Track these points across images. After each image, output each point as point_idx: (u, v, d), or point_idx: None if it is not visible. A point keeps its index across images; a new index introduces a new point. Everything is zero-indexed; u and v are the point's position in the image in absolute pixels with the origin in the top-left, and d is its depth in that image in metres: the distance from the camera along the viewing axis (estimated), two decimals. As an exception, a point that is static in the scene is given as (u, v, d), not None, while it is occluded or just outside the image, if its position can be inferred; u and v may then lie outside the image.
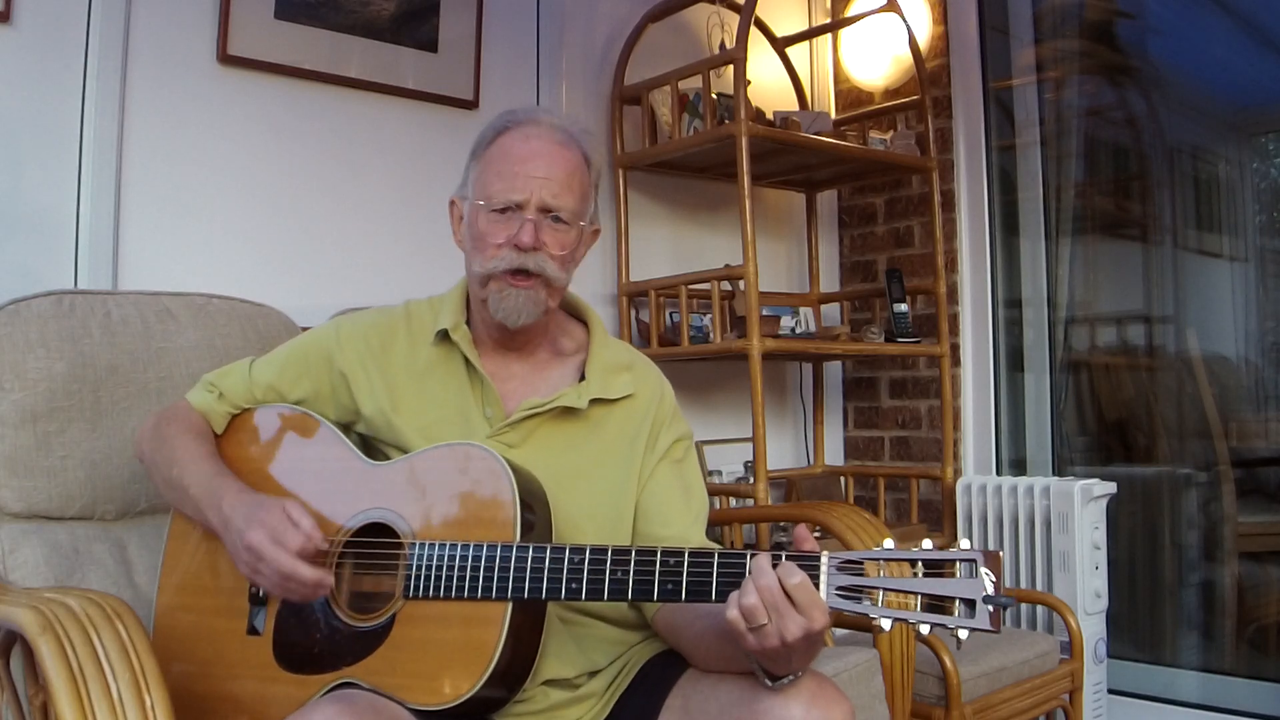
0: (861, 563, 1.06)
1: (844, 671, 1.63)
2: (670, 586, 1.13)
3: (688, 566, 1.13)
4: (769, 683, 1.14)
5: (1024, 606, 2.56)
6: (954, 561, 1.04)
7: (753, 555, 1.09)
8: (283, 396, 1.43)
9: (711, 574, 1.12)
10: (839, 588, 1.06)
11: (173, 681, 1.30)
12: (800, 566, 1.06)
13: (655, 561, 1.14)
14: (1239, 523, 2.71)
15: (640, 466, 1.39)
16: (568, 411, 1.38)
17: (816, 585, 1.06)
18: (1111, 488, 2.51)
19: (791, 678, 1.14)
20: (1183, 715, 2.60)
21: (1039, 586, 2.52)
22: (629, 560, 1.15)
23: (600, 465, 1.38)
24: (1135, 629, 2.80)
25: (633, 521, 1.38)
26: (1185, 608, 2.78)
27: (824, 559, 1.07)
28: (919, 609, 1.03)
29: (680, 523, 1.38)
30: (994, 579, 1.02)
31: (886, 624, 1.04)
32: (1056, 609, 2.35)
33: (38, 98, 1.91)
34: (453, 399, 1.39)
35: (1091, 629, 2.40)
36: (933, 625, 1.03)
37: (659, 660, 1.34)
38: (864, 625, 2.02)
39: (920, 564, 1.05)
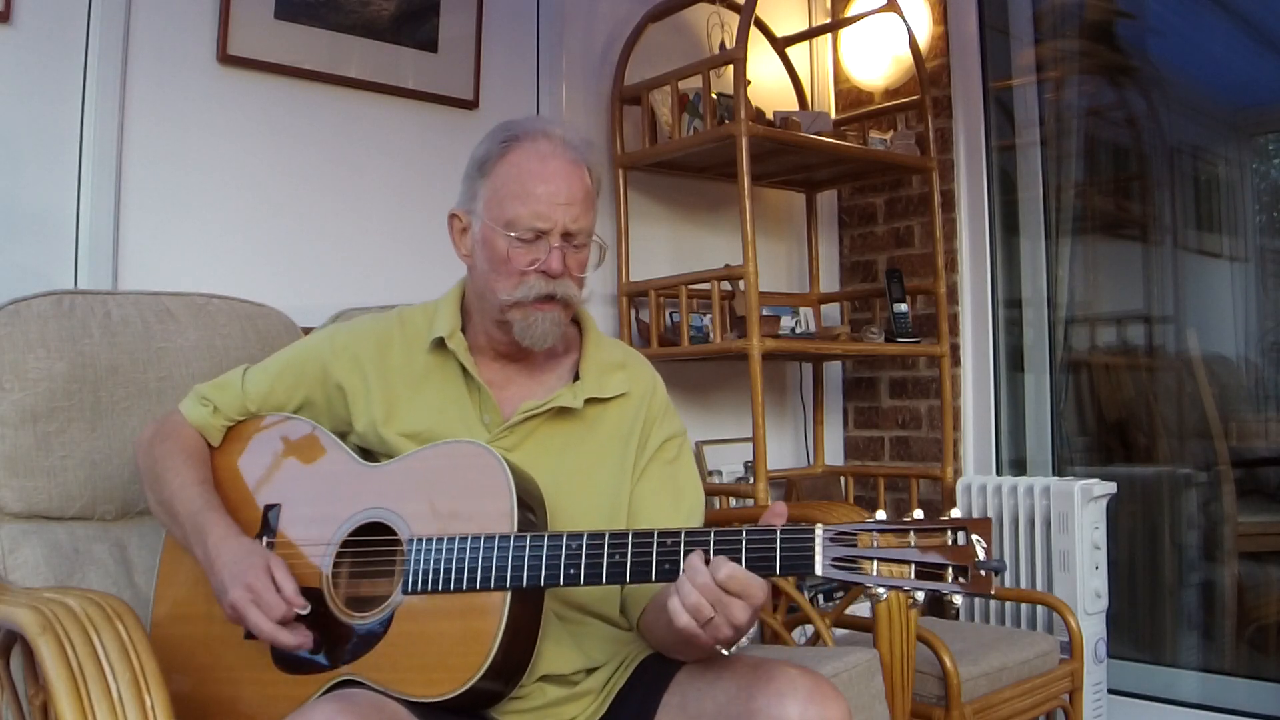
0: (855, 534, 1.08)
1: (844, 671, 1.63)
2: (668, 567, 1.14)
3: (684, 548, 1.14)
4: (725, 652, 1.16)
5: (1024, 606, 2.56)
6: (945, 530, 1.05)
7: (750, 535, 1.11)
8: (277, 407, 1.43)
9: (708, 552, 1.13)
10: (834, 559, 1.08)
11: (172, 689, 1.30)
12: (795, 538, 1.09)
13: (652, 543, 1.15)
14: (1239, 523, 2.71)
15: (633, 465, 1.40)
16: (563, 411, 1.38)
17: (812, 557, 1.08)
18: (1111, 488, 2.51)
19: (741, 644, 1.17)
20: (1183, 715, 2.60)
21: (1039, 586, 2.52)
22: (626, 543, 1.16)
23: (597, 465, 1.39)
24: (1135, 629, 2.80)
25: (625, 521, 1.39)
26: (1185, 608, 2.78)
27: (818, 531, 1.08)
28: (913, 578, 1.05)
29: (668, 525, 1.38)
30: (984, 545, 1.04)
31: (882, 592, 1.06)
32: (1056, 609, 2.35)
33: (37, 98, 1.91)
34: (451, 406, 1.39)
35: (1091, 629, 2.40)
36: (927, 591, 1.05)
37: (656, 658, 1.34)
38: (862, 626, 2.02)
39: (913, 533, 1.06)
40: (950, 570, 1.04)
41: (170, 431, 1.42)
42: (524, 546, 1.19)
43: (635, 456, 1.40)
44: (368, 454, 1.42)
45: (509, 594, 1.19)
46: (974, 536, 1.04)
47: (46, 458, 1.54)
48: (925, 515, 1.09)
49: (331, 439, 1.38)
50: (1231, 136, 2.90)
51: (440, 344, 1.40)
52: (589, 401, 1.39)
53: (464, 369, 1.39)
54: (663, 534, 1.15)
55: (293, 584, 1.23)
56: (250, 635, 1.29)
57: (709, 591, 1.08)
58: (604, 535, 1.17)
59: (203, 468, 1.39)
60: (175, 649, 1.34)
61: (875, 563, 1.06)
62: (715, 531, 1.14)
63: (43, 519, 1.55)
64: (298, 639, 1.22)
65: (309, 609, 1.23)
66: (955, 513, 1.07)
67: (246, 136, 2.16)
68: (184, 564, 1.38)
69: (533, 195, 1.32)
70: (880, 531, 1.07)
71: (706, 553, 1.11)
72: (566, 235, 1.33)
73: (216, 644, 1.32)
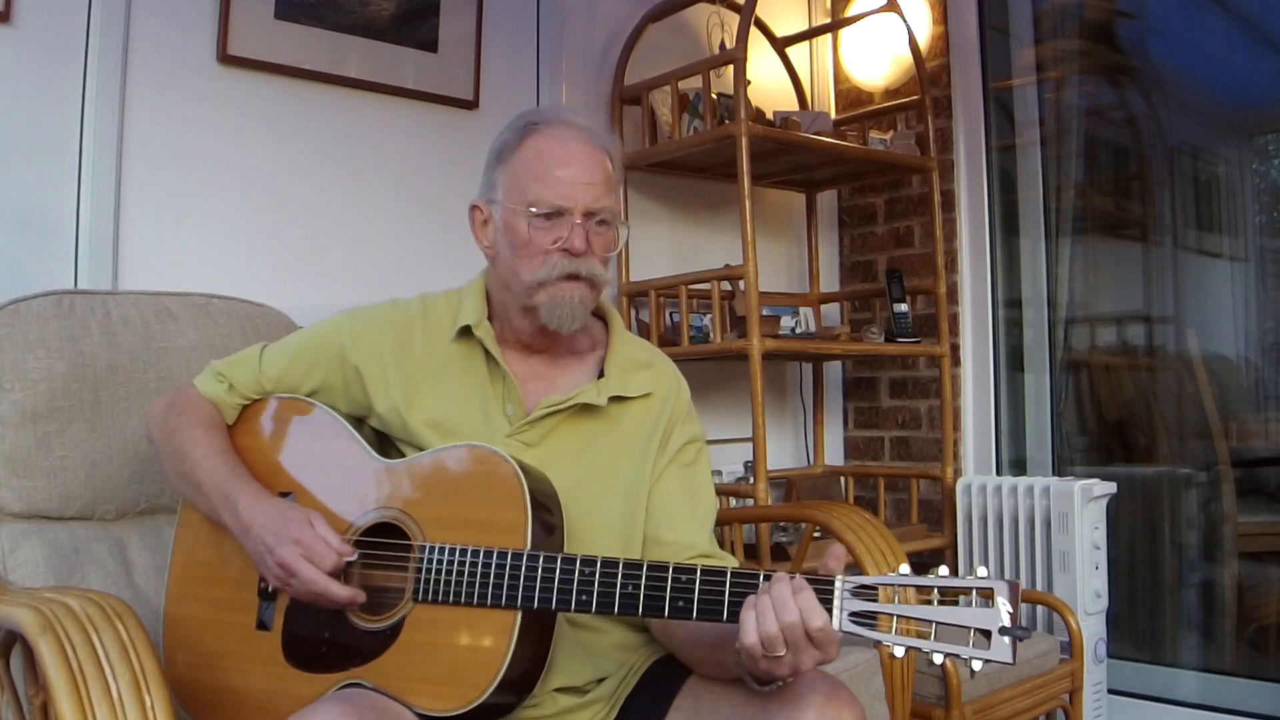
0: (876, 588, 1.05)
1: (844, 671, 1.63)
2: (681, 604, 1.12)
3: (700, 585, 1.12)
4: (757, 687, 1.14)
5: (1024, 606, 2.56)
6: (970, 589, 1.02)
7: (768, 580, 1.08)
8: (293, 389, 1.42)
9: (724, 594, 1.11)
10: (853, 613, 1.05)
11: (180, 671, 1.31)
12: (814, 587, 1.06)
13: (667, 578, 1.13)
14: (1239, 523, 2.71)
15: (652, 465, 1.39)
16: (586, 408, 1.37)
17: (831, 609, 1.05)
18: (1111, 488, 2.51)
19: (780, 684, 1.14)
20: (1183, 715, 2.60)
21: (1039, 586, 2.52)
22: (640, 575, 1.14)
23: (617, 464, 1.38)
24: (1135, 629, 2.80)
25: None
26: (1185, 608, 2.78)
27: (839, 584, 1.06)
28: (933, 637, 1.02)
29: (686, 528, 1.37)
30: (1010, 609, 1.01)
31: (900, 651, 1.03)
32: (1056, 609, 2.35)
33: (38, 98, 1.91)
34: (473, 396, 1.38)
35: (1091, 629, 2.40)
36: (946, 655, 1.02)
37: (668, 661, 1.34)
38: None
39: (936, 591, 1.03)
40: (972, 633, 1.01)
41: (186, 404, 1.40)
42: (536, 568, 1.17)
43: (655, 457, 1.39)
44: (386, 441, 1.41)
45: (520, 613, 1.18)
46: (999, 599, 1.01)
47: (46, 458, 1.54)
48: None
49: (347, 429, 1.36)
50: (1231, 136, 2.90)
51: (466, 332, 1.38)
52: (612, 399, 1.37)
53: (488, 359, 1.38)
54: (678, 569, 1.13)
55: (336, 535, 1.23)
56: (262, 626, 1.29)
57: (793, 633, 1.04)
58: (618, 564, 1.15)
59: (223, 438, 1.38)
60: (187, 628, 1.34)
61: (895, 619, 1.03)
62: (733, 573, 1.11)
63: (43, 519, 1.55)
64: (349, 592, 1.21)
65: (356, 556, 1.23)
66: (981, 571, 1.04)
67: (246, 136, 2.16)
68: (200, 544, 1.37)
69: (553, 176, 1.31)
70: (903, 586, 1.04)
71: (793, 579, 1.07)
72: (588, 214, 1.32)
73: (228, 630, 1.31)
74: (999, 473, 2.93)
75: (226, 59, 2.12)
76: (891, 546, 1.73)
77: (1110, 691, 2.49)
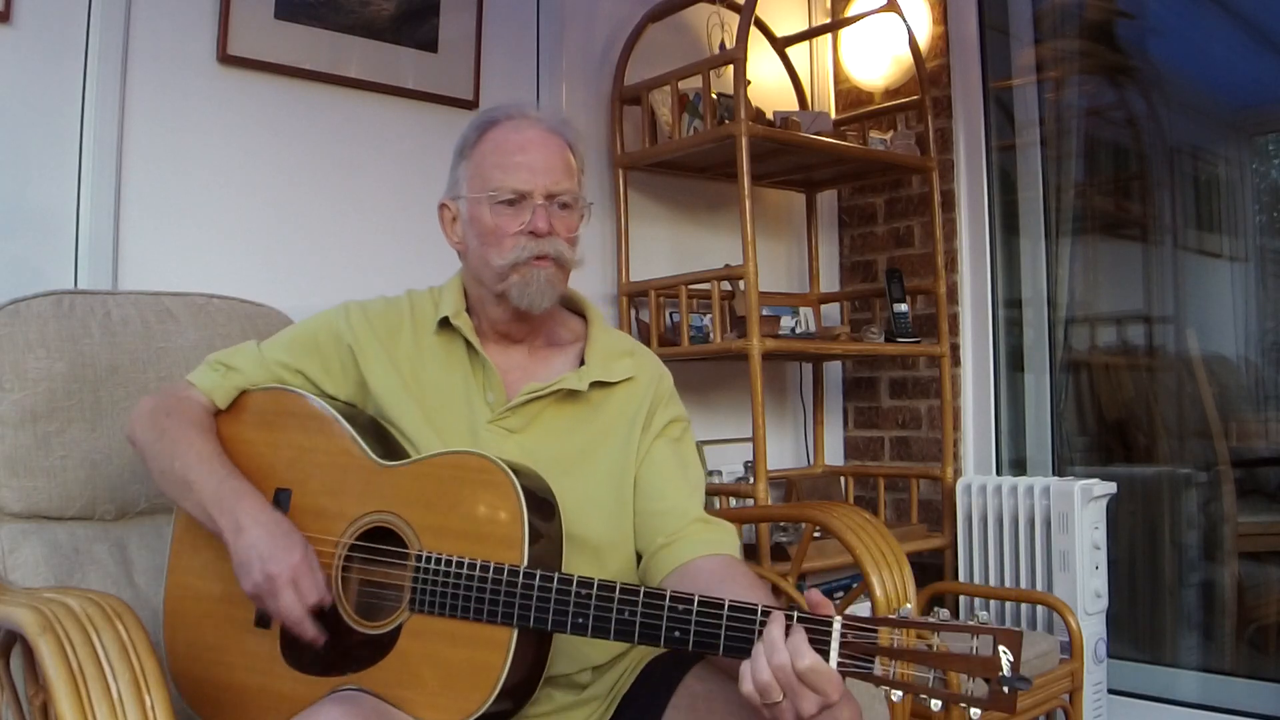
0: (875, 630, 1.03)
1: (844, 671, 1.62)
2: (678, 634, 1.11)
3: (695, 616, 1.11)
4: None
5: (1024, 606, 2.56)
6: (972, 634, 1.00)
7: (765, 616, 1.07)
8: (293, 372, 1.42)
9: (720, 626, 1.10)
10: (849, 655, 1.04)
11: (180, 663, 1.31)
12: (811, 630, 1.04)
13: (664, 606, 1.12)
14: (1239, 523, 2.71)
15: (637, 445, 1.40)
16: (569, 395, 1.38)
17: (828, 650, 1.04)
18: (1111, 488, 2.51)
19: None
20: (1183, 715, 2.60)
21: (1039, 586, 2.52)
22: (636, 602, 1.13)
23: (601, 447, 1.39)
24: (1135, 629, 2.80)
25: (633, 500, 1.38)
26: (1185, 608, 2.78)
27: (836, 625, 1.05)
28: (931, 684, 1.01)
29: (676, 495, 1.38)
30: (1012, 658, 0.99)
31: (897, 695, 1.02)
32: (1056, 609, 2.35)
33: (38, 98, 1.91)
34: (456, 385, 1.40)
35: (1091, 629, 2.40)
36: (945, 701, 1.00)
37: (665, 659, 1.33)
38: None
39: (936, 634, 1.02)
40: (973, 681, 0.99)
41: (176, 405, 1.39)
42: (532, 587, 1.16)
43: (640, 436, 1.40)
44: (379, 437, 1.40)
45: (516, 629, 1.17)
46: (1000, 647, 0.99)
47: (46, 458, 1.54)
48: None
49: (346, 428, 1.35)
50: (1231, 136, 2.90)
51: (446, 325, 1.41)
52: (595, 386, 1.39)
53: (469, 349, 1.40)
54: (674, 598, 1.12)
55: (311, 579, 1.22)
56: (261, 623, 1.29)
57: (784, 675, 1.02)
58: (614, 587, 1.15)
59: (215, 441, 1.37)
60: (187, 622, 1.34)
61: (894, 661, 1.02)
62: (730, 605, 1.10)
63: (43, 519, 1.55)
64: (316, 632, 1.21)
65: (330, 604, 1.23)
66: (983, 615, 1.03)
67: (246, 136, 2.16)
68: (200, 537, 1.36)
69: (512, 163, 1.35)
70: (903, 628, 1.02)
71: (788, 620, 1.05)
72: (550, 196, 1.35)
73: (227, 625, 1.31)
74: (999, 473, 2.93)
75: (226, 59, 2.12)
76: (891, 547, 1.73)
77: (1110, 691, 2.49)
